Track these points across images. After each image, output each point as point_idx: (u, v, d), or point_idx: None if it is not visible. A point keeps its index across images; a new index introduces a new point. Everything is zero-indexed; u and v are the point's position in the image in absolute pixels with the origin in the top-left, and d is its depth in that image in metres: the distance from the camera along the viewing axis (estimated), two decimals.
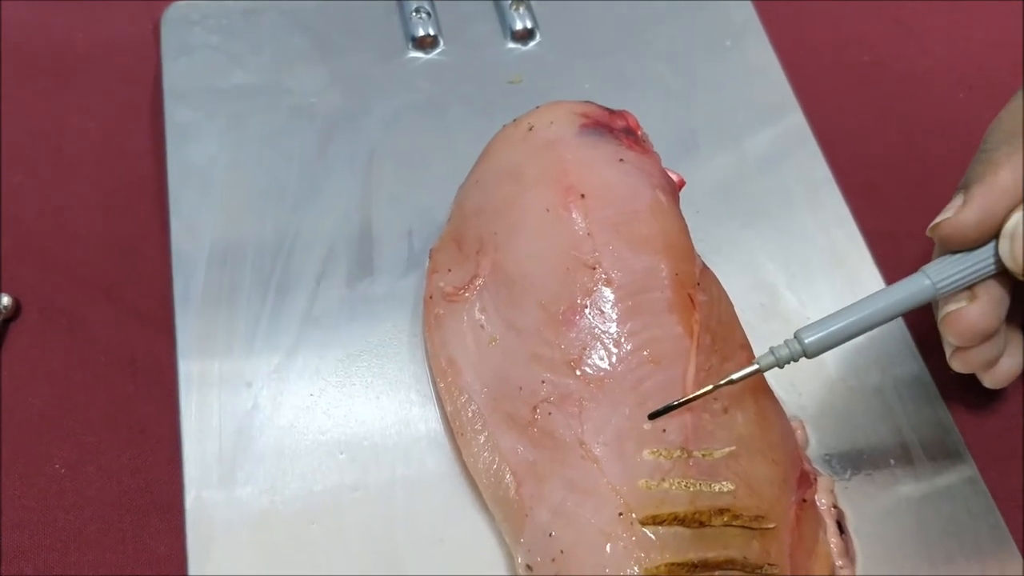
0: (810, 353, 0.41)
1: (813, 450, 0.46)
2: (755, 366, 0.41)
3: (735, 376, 0.41)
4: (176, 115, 0.55)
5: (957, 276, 0.42)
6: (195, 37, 0.59)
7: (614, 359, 0.42)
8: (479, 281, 0.46)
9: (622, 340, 0.42)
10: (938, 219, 0.42)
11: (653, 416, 0.40)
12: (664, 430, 0.40)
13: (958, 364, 0.45)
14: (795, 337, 0.41)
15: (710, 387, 0.41)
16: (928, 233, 0.43)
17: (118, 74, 0.60)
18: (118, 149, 0.57)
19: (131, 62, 0.60)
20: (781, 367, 0.41)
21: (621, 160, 0.46)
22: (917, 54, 0.64)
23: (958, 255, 0.42)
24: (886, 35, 0.65)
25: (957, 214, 0.42)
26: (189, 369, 0.46)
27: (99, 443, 0.47)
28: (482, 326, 0.45)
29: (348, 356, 0.47)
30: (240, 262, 0.50)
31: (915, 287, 0.42)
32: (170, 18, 0.59)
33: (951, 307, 0.43)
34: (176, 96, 0.56)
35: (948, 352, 0.45)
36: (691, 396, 0.40)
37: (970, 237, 0.42)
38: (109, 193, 0.56)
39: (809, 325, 0.42)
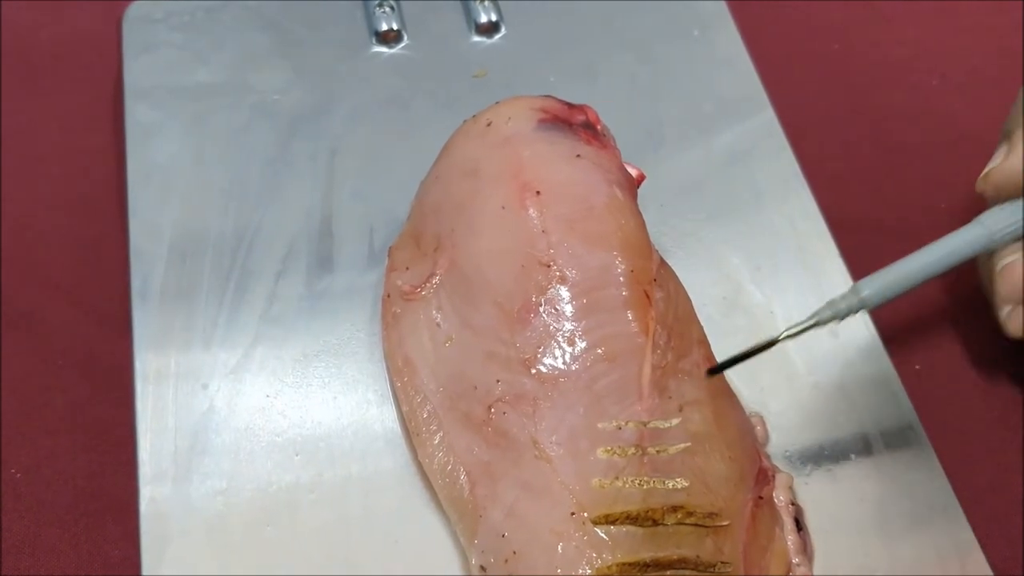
0: (869, 304, 0.40)
1: (773, 446, 0.45)
2: (813, 320, 0.40)
3: (791, 331, 0.40)
4: (137, 113, 0.55)
5: (1014, 223, 0.41)
6: (157, 35, 0.58)
7: (568, 357, 0.41)
8: (436, 279, 0.45)
9: (576, 338, 0.42)
10: (986, 169, 0.41)
11: (712, 373, 0.40)
12: (619, 428, 0.40)
13: (1015, 325, 0.43)
14: (854, 289, 0.40)
15: (767, 341, 0.40)
16: (978, 187, 0.42)
17: (81, 73, 0.60)
18: (80, 148, 0.57)
19: (94, 60, 0.60)
20: (840, 320, 0.40)
21: (578, 156, 0.46)
22: (889, 41, 0.64)
23: (1011, 203, 0.42)
24: (857, 22, 0.64)
25: (1003, 161, 0.41)
26: (146, 369, 0.46)
27: (55, 447, 0.47)
28: (438, 325, 0.45)
29: (305, 356, 0.47)
30: (199, 260, 0.50)
31: (971, 235, 0.41)
32: (132, 16, 0.58)
33: (1008, 259, 0.42)
34: (137, 95, 0.56)
35: (1003, 313, 0.43)
36: (749, 350, 0.39)
37: (1019, 183, 0.41)
38: (71, 193, 0.55)
39: (868, 277, 0.41)
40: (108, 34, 0.59)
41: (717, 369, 0.39)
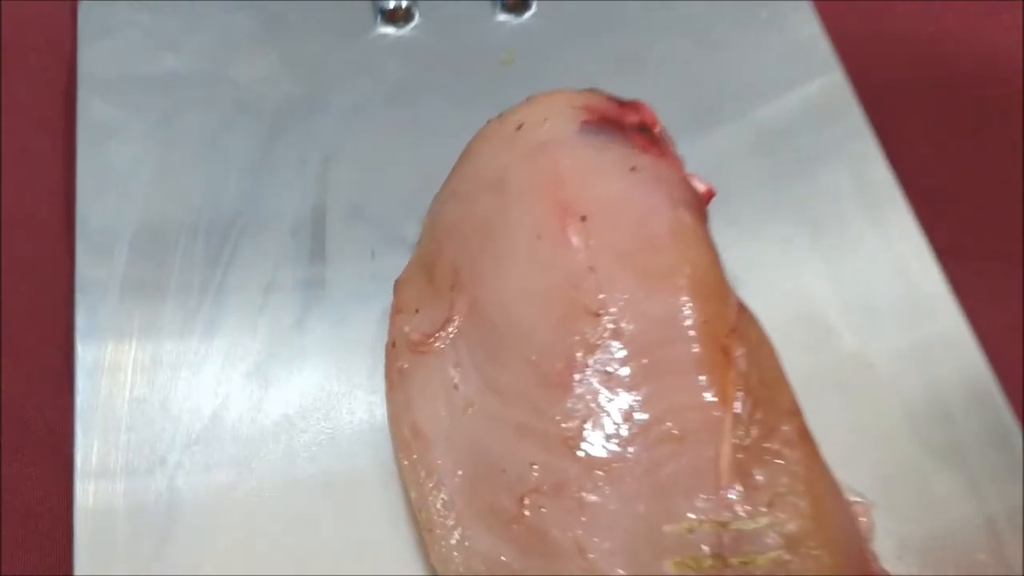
0: None
1: (881, 542, 0.36)
2: None
3: None
4: (91, 110, 0.46)
5: None
6: (119, 16, 0.49)
7: (624, 435, 0.33)
8: (453, 326, 0.37)
9: (634, 410, 0.33)
10: None
11: None
12: (691, 531, 0.31)
13: None
14: None
15: None
16: None
17: (28, 62, 0.51)
18: (23, 153, 0.48)
19: (42, 47, 0.51)
20: None
21: (633, 168, 0.37)
22: (989, 25, 0.55)
23: None
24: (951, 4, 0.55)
25: None
26: (88, 438, 0.37)
27: None
28: (456, 386, 0.36)
29: (288, 420, 0.38)
30: (160, 292, 0.41)
31: None
32: None
33: None
34: (92, 87, 0.47)
35: None
36: None
37: None
38: (8, 207, 0.46)
39: None
40: (60, 16, 0.51)
41: None
